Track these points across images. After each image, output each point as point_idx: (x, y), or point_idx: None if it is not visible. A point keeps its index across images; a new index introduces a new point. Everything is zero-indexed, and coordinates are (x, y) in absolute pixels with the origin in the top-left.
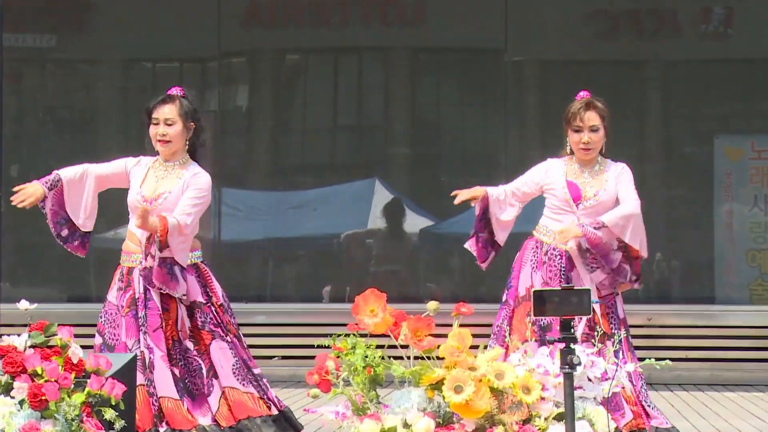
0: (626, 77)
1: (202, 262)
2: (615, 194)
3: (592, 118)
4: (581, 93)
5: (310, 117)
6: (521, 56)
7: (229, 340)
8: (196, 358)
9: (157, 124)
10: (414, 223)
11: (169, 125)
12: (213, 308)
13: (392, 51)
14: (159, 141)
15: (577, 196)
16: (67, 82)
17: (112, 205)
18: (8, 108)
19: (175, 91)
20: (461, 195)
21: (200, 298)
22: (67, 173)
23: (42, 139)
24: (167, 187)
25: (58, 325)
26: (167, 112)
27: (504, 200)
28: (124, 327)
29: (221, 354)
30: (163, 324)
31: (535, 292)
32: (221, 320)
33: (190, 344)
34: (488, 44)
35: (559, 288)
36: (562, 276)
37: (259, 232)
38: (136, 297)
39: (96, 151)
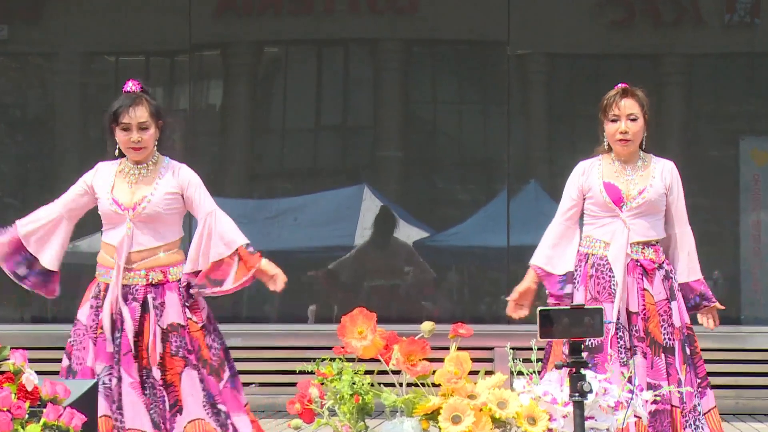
0: (642, 72)
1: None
2: (663, 192)
3: (630, 105)
4: (619, 85)
5: (291, 116)
6: (525, 49)
7: (200, 369)
8: (161, 388)
9: (128, 129)
10: (407, 234)
11: (143, 129)
12: (189, 331)
13: (382, 43)
14: (132, 148)
15: (618, 197)
16: (20, 77)
17: None
18: None
19: (133, 86)
20: (515, 310)
21: (179, 320)
22: (26, 229)
23: None
24: (146, 192)
25: (11, 348)
26: (140, 115)
27: (558, 251)
28: (93, 350)
29: (192, 384)
30: (135, 349)
31: (540, 311)
32: (198, 345)
33: (157, 373)
34: (489, 36)
35: (568, 307)
36: (613, 289)
37: None
38: (113, 317)
39: (52, 154)
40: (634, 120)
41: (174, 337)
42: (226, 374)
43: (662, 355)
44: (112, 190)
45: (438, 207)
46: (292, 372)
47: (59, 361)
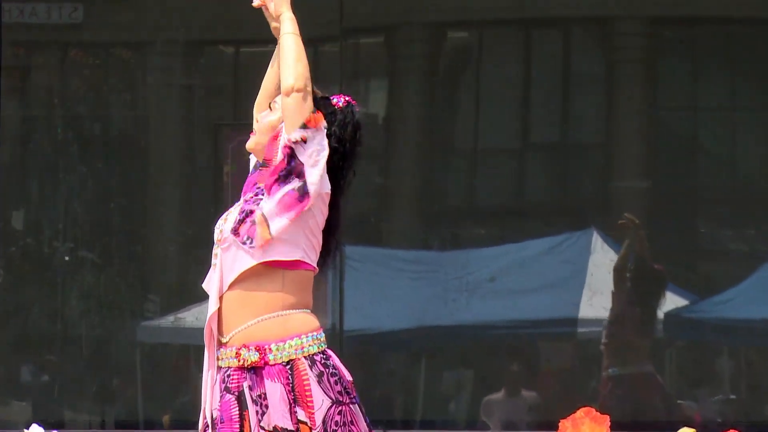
0: None
1: (308, 354)
2: None
3: None
4: None
5: (485, 129)
6: None
7: None
8: None
9: None
10: None
11: None
12: None
13: (618, 23)
14: None
15: None
16: (100, 77)
17: (168, 277)
18: (9, 119)
19: None
20: None
21: (285, 423)
22: None
23: (62, 168)
24: None
25: None
26: None
27: None
28: None
29: None
30: None
31: None
32: None
33: None
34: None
35: None
36: None
37: (402, 316)
38: (213, 417)
39: (146, 184)
40: None
41: None
42: None
43: None
44: None
45: (701, 261)
46: None
47: None
